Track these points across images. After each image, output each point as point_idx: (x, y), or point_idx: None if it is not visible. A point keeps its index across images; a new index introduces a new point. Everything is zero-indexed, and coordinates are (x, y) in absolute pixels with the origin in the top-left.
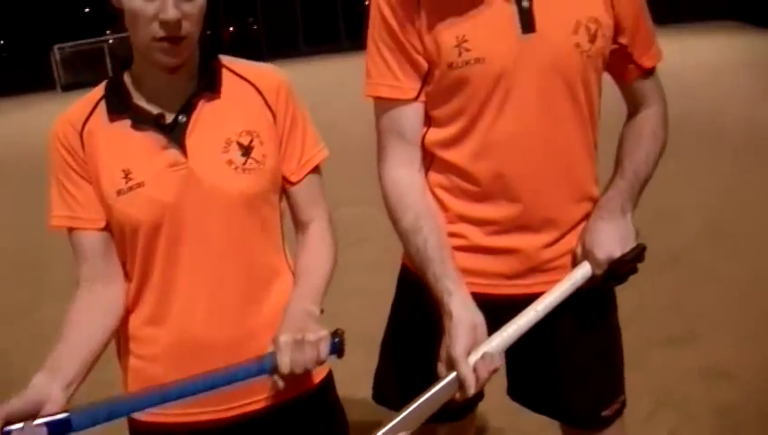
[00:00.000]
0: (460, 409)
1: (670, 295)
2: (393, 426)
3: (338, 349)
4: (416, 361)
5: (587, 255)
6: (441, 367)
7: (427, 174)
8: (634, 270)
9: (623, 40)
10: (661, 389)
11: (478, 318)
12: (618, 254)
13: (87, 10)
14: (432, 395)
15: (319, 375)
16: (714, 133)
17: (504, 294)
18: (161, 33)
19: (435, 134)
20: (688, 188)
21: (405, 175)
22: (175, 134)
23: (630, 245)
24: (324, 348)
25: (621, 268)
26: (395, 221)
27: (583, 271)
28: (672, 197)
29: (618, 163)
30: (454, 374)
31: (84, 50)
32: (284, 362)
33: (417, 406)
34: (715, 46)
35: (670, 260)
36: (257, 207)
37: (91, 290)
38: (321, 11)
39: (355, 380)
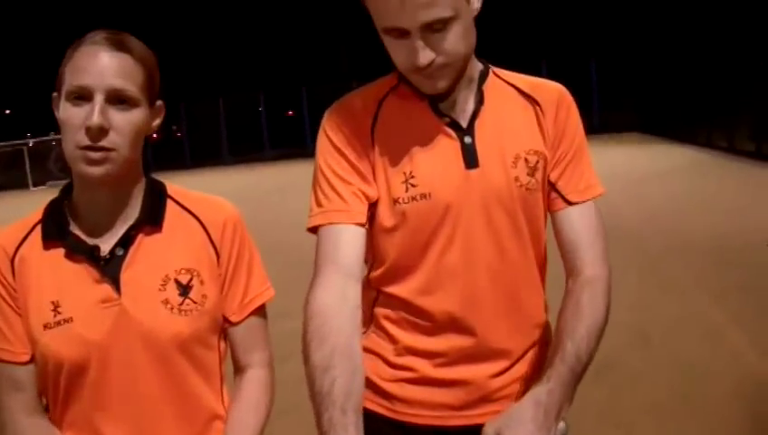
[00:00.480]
0: None
1: (604, 404)
2: None
3: None
4: None
5: None
6: None
7: (373, 309)
8: None
9: (554, 174)
10: None
11: None
12: None
13: (7, 112)
14: None
15: None
16: (636, 243)
17: (454, 425)
18: (85, 142)
19: (379, 271)
20: (614, 298)
21: (333, 305)
22: (110, 268)
23: None
24: None
25: None
26: (307, 356)
27: None
28: None
29: (557, 338)
30: None
31: (4, 152)
32: None
33: None
34: (626, 155)
35: (604, 367)
36: (192, 349)
37: (38, 423)
38: (246, 120)
39: None
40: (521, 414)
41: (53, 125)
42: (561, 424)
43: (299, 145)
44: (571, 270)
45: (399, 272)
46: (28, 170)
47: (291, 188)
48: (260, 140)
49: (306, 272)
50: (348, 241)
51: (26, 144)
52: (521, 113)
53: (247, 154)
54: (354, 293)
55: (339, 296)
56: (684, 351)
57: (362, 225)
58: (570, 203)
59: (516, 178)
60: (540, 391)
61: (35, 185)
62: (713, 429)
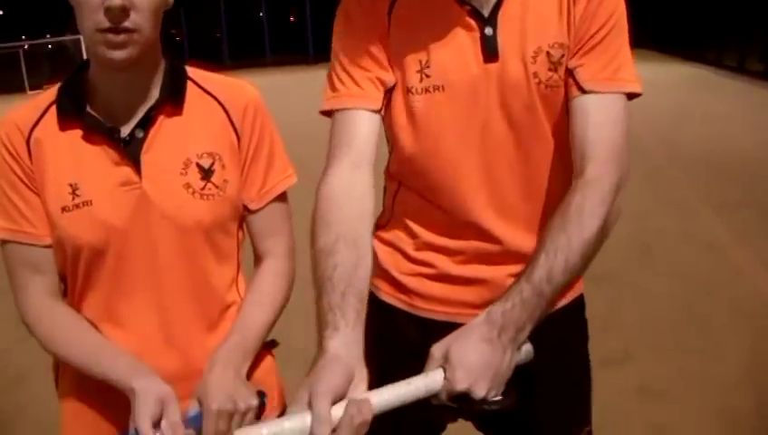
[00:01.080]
0: (451, 418)
1: (603, 315)
2: None
3: (260, 411)
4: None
5: (448, 369)
6: (292, 406)
7: (393, 201)
8: (490, 412)
9: (573, 61)
10: (598, 410)
11: (358, 367)
12: (480, 394)
13: (0, 13)
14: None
15: (277, 409)
16: (638, 153)
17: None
18: (105, 24)
19: (396, 163)
20: None
21: (342, 190)
22: (130, 150)
23: (500, 385)
24: (250, 418)
25: (473, 407)
26: (313, 241)
27: (433, 382)
28: None
29: (535, 249)
30: (307, 418)
31: None
32: (210, 431)
33: None
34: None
35: (603, 278)
36: (213, 235)
37: (60, 306)
38: (247, 26)
39: None
40: (471, 333)
41: (49, 27)
42: (527, 346)
43: (301, 51)
44: (574, 172)
45: (415, 167)
46: (24, 74)
47: (291, 90)
48: (261, 46)
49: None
50: (361, 126)
51: (22, 47)
52: (549, 1)
53: (247, 59)
54: (365, 179)
55: (348, 182)
56: (685, 264)
57: (377, 111)
58: (584, 91)
59: (535, 75)
60: (495, 310)
61: (32, 88)
62: (713, 341)
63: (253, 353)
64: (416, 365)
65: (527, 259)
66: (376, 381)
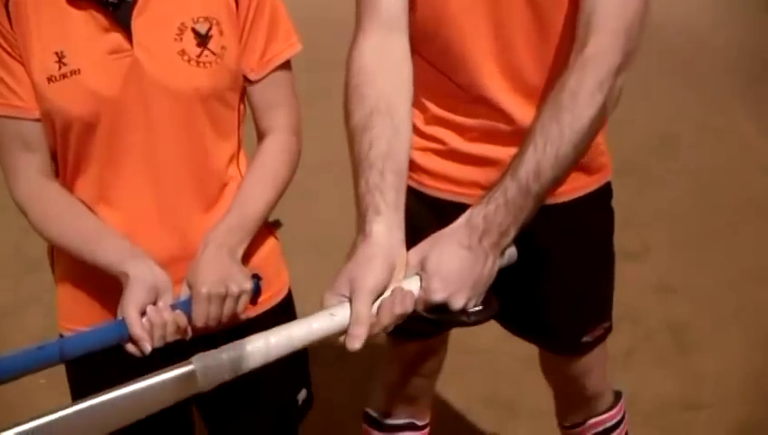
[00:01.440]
0: (431, 328)
1: (623, 208)
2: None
3: (255, 295)
4: None
5: (424, 278)
6: (329, 296)
7: None
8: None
9: None
10: (617, 305)
11: (399, 252)
12: (458, 305)
13: None
14: (304, 330)
15: (281, 293)
16: (667, 44)
17: None
18: None
19: (413, 28)
20: (641, 100)
21: (374, 61)
22: (120, 14)
23: (480, 294)
24: (244, 302)
25: (451, 318)
26: (347, 117)
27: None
28: (624, 107)
29: (523, 140)
30: (346, 310)
31: None
32: (200, 315)
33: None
34: None
35: (624, 171)
36: (212, 107)
37: (52, 185)
38: None
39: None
40: (449, 239)
41: None
42: (511, 250)
43: None
44: (576, 45)
45: (425, 30)
46: None
47: None
48: None
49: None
50: None
51: None
52: None
53: None
54: (400, 47)
55: (381, 51)
56: (710, 160)
57: None
58: None
59: None
60: (476, 213)
61: None
62: (734, 239)
63: (251, 234)
64: (417, 239)
65: None
66: None
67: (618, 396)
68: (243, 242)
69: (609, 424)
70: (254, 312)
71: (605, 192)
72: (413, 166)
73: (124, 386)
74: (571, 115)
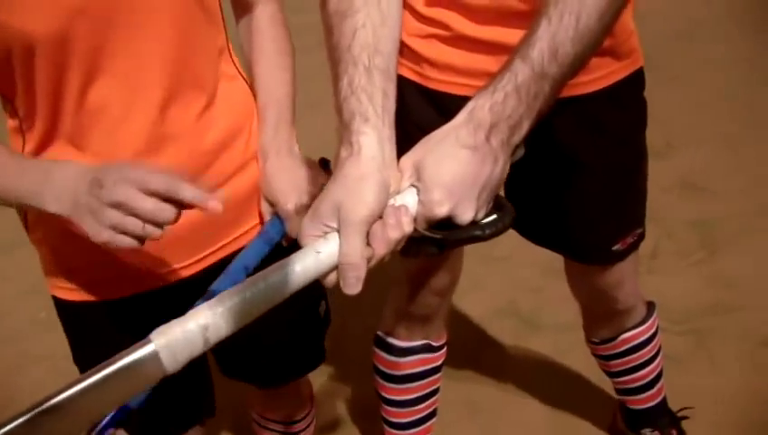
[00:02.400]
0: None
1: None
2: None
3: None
4: None
5: (421, 188)
6: (310, 225)
7: None
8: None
9: None
10: None
11: (393, 168)
12: (467, 218)
13: None
14: (288, 274)
15: None
16: None
17: None
18: None
19: None
20: None
21: None
22: None
23: (487, 203)
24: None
25: (460, 235)
26: (323, 2)
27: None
28: None
29: (538, 12)
30: (334, 244)
31: None
32: (296, 232)
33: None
34: None
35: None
36: None
37: None
38: None
39: None
40: (449, 138)
41: None
42: (520, 152)
43: None
44: None
45: None
46: None
47: None
48: None
49: None
50: None
51: None
52: None
53: None
54: None
55: None
56: (729, 51)
57: None
58: None
59: None
60: (481, 104)
61: None
62: (760, 132)
63: (293, 120)
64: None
65: None
66: None
67: (651, 308)
68: (292, 133)
69: (641, 339)
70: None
71: (637, 81)
72: (414, 56)
73: (75, 382)
74: None
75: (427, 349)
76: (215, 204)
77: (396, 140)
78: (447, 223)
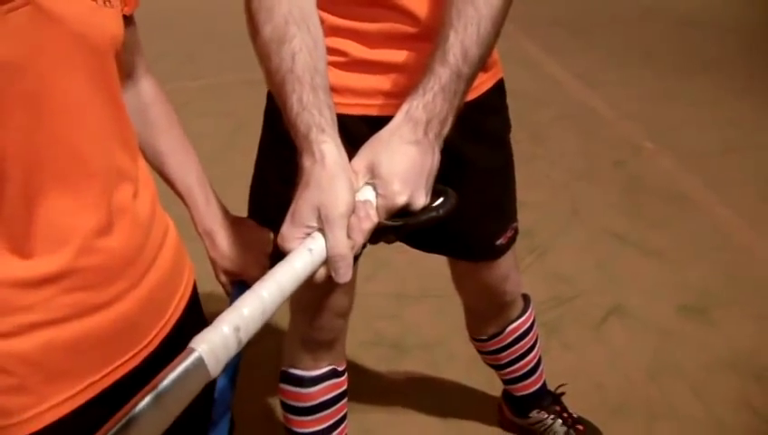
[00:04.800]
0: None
1: None
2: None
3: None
4: None
5: (379, 184)
6: (292, 230)
7: None
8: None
9: None
10: None
11: (351, 171)
12: (421, 203)
13: None
14: (289, 273)
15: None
16: None
17: (389, 114)
18: None
19: None
20: None
21: None
22: None
23: (430, 189)
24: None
25: (418, 219)
26: (255, 31)
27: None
28: None
29: (440, 30)
30: (321, 241)
31: None
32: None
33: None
34: None
35: None
36: (116, 57)
37: None
38: None
39: None
40: (393, 138)
41: None
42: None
43: None
44: None
45: None
46: None
47: None
48: None
49: None
50: None
51: None
52: None
53: None
54: None
55: None
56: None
57: None
58: None
59: None
60: (415, 105)
61: None
62: (546, 145)
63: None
64: None
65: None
66: (291, 191)
67: (527, 299)
68: (220, 202)
69: (525, 328)
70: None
71: (501, 88)
72: None
73: (131, 406)
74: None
75: (334, 374)
76: None
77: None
78: (404, 212)
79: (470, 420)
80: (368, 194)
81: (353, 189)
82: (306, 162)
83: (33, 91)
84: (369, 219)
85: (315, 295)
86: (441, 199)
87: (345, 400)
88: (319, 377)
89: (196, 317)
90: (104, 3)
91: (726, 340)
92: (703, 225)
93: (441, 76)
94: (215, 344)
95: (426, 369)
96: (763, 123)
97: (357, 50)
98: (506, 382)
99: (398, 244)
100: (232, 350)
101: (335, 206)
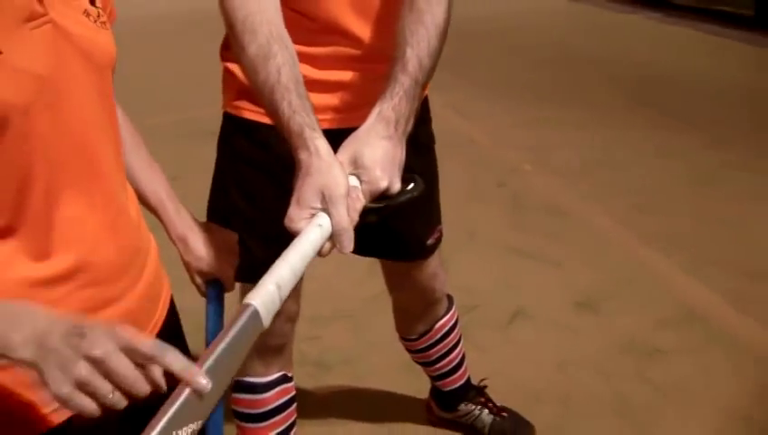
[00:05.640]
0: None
1: None
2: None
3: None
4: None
5: (363, 172)
6: (299, 212)
7: None
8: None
9: None
10: None
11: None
12: (397, 187)
13: None
14: (306, 245)
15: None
16: None
17: (340, 127)
18: None
19: None
20: None
21: None
22: None
23: (400, 173)
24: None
25: (395, 201)
26: (241, 49)
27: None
28: None
29: (398, 46)
30: (326, 218)
31: None
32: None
33: (294, 258)
34: None
35: None
36: (112, 75)
37: None
38: None
39: None
40: (371, 134)
41: None
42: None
43: None
44: None
45: None
46: None
47: None
48: None
49: None
50: None
51: None
52: None
53: None
54: None
55: None
56: None
57: None
58: None
59: None
60: (385, 107)
61: None
62: None
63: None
64: (290, 181)
65: (384, 58)
66: (253, 205)
67: (450, 298)
68: (187, 210)
69: (450, 324)
70: None
71: (427, 101)
72: None
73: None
74: (431, 15)
75: (285, 379)
76: (202, 382)
77: (261, 179)
78: (383, 196)
79: (400, 422)
80: (353, 182)
81: (347, 176)
82: (303, 155)
83: (55, 101)
84: (360, 200)
85: None
86: (412, 184)
87: (295, 405)
88: (271, 383)
89: (175, 318)
90: (101, 24)
91: (617, 327)
92: (586, 233)
93: (404, 83)
94: (265, 299)
95: (351, 382)
96: (622, 143)
97: (309, 71)
98: (435, 378)
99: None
100: (276, 305)
101: (337, 187)
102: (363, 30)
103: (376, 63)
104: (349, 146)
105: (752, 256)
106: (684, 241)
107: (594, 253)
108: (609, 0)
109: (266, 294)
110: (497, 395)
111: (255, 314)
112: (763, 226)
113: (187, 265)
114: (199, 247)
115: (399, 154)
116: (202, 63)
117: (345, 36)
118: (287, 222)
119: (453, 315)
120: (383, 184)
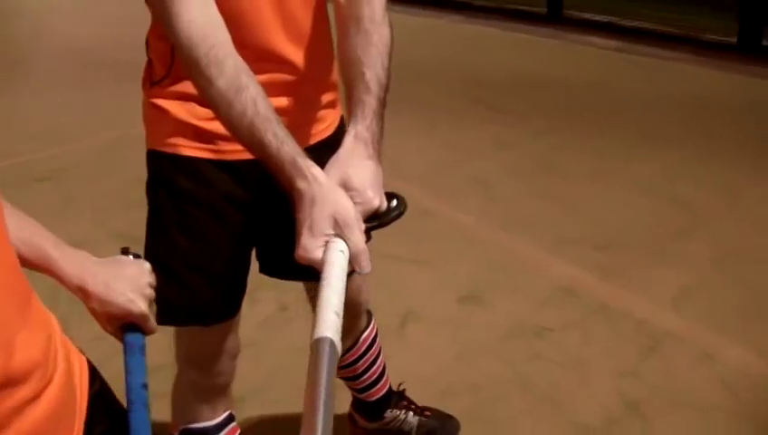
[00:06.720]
0: None
1: None
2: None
3: None
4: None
5: (356, 194)
6: (313, 241)
7: (171, 53)
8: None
9: None
10: None
11: None
12: (385, 205)
13: None
14: (340, 271)
15: None
16: None
17: None
18: None
19: None
20: None
21: (209, 23)
22: None
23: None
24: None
25: (383, 219)
26: (209, 85)
27: None
28: None
29: (354, 70)
30: (343, 244)
31: None
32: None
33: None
34: None
35: None
36: None
37: None
38: None
39: None
40: (354, 156)
41: None
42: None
43: None
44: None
45: (225, 11)
46: None
47: None
48: None
49: None
50: None
51: None
52: None
53: None
54: (215, 12)
55: (207, 18)
56: None
57: None
58: None
59: None
60: (361, 129)
61: None
62: None
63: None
64: (233, 214)
65: (315, 81)
66: (198, 244)
67: (369, 311)
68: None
69: (372, 335)
70: None
71: (342, 124)
72: (208, 136)
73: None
74: (378, 35)
75: (231, 418)
76: None
77: (204, 216)
78: (373, 215)
79: None
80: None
81: (350, 199)
82: (301, 184)
83: None
84: (361, 221)
85: (210, 342)
86: (395, 201)
87: None
88: (220, 424)
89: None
90: None
91: (503, 314)
92: (452, 231)
93: (371, 103)
94: (334, 329)
95: (263, 411)
96: (462, 141)
97: None
98: (360, 391)
99: None
100: (340, 332)
101: (347, 211)
102: (297, 56)
103: (309, 87)
104: (334, 169)
105: (598, 230)
106: (538, 224)
107: (464, 248)
108: (414, 6)
109: (333, 325)
110: (410, 397)
111: (332, 345)
112: (600, 202)
113: (93, 314)
114: (101, 290)
115: (380, 172)
116: None
117: (281, 63)
118: (302, 252)
119: (374, 326)
120: (376, 203)
